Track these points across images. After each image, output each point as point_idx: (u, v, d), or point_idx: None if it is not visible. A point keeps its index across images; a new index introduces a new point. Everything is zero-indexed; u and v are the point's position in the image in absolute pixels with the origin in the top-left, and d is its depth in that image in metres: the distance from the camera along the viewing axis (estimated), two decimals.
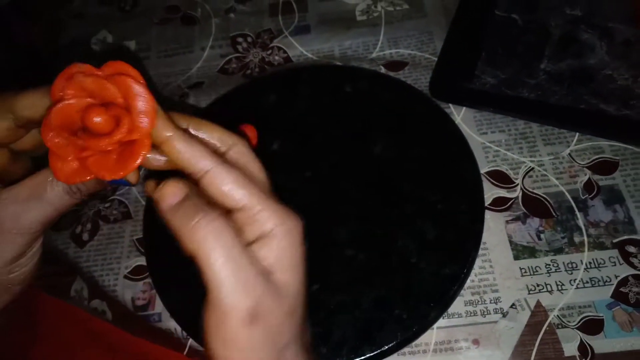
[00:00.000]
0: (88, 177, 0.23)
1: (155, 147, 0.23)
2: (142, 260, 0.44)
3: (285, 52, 0.55)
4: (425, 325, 0.37)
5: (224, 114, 0.48)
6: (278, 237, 0.23)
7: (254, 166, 0.25)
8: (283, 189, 0.42)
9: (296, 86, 0.49)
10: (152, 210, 0.45)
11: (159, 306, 0.42)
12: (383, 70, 0.51)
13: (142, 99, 0.23)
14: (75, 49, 0.60)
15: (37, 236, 0.27)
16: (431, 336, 0.38)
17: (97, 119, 0.22)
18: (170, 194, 0.22)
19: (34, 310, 0.43)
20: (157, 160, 0.24)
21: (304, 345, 0.25)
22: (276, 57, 0.55)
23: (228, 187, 0.22)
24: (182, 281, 0.42)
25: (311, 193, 0.43)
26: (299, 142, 0.45)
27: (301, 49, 0.54)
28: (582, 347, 0.36)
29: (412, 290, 0.38)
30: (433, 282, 0.38)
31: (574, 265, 0.39)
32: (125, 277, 0.44)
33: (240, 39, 0.57)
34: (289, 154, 0.45)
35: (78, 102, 0.23)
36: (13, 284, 0.27)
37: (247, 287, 0.21)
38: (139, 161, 0.22)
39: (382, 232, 0.40)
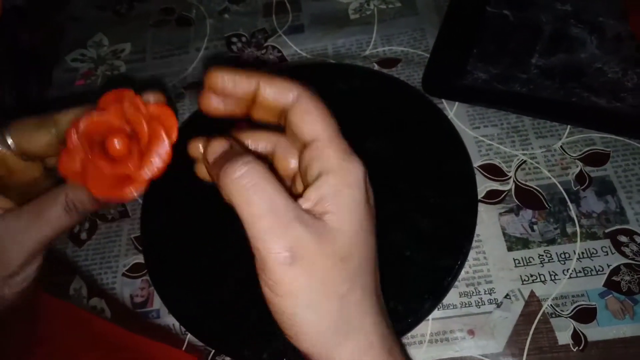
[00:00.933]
0: (81, 183, 0.24)
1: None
2: (140, 258, 0.45)
3: (279, 51, 0.55)
4: (420, 316, 0.37)
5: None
6: (339, 175, 0.23)
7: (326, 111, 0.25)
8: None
9: None
10: (149, 209, 0.46)
11: (157, 303, 0.42)
12: (376, 67, 0.51)
13: (162, 152, 0.25)
14: (74, 52, 0.60)
15: (35, 255, 0.27)
16: (427, 327, 0.38)
17: (117, 143, 0.25)
18: (217, 145, 0.24)
19: (34, 310, 0.44)
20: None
21: (373, 294, 0.24)
22: (270, 57, 0.55)
23: (310, 117, 0.24)
24: (179, 277, 0.42)
25: None
26: None
27: (295, 48, 0.55)
28: (576, 336, 0.36)
29: (406, 282, 0.38)
30: (427, 275, 0.38)
31: (567, 255, 0.39)
32: (124, 275, 0.45)
33: (234, 39, 0.57)
34: None
35: (112, 121, 0.25)
36: (7, 298, 0.28)
37: (281, 228, 0.21)
38: (125, 197, 0.24)
39: (377, 226, 0.41)
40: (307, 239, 0.22)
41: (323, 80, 0.49)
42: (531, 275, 0.39)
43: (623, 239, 0.39)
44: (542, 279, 0.39)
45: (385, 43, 0.54)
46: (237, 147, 0.25)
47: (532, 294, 0.38)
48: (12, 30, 0.63)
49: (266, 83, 0.24)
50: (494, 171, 0.44)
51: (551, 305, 0.37)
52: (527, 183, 0.43)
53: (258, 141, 0.28)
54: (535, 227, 0.41)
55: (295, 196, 0.23)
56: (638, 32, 0.48)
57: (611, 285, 0.38)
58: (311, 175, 0.23)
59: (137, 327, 0.41)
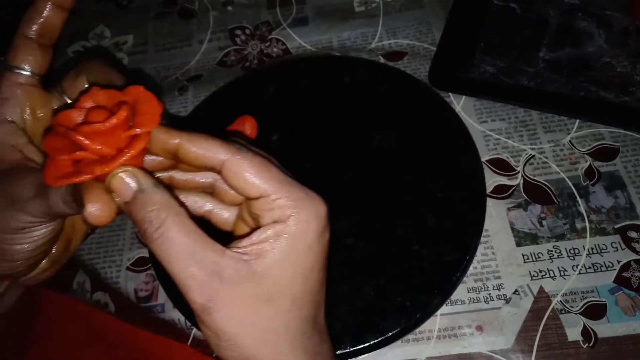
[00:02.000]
0: (76, 179, 0.22)
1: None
2: (144, 252, 0.44)
3: (284, 44, 0.55)
4: (428, 312, 0.37)
5: (223, 106, 0.48)
6: (286, 224, 0.23)
7: (263, 163, 0.24)
8: None
9: (294, 78, 0.49)
10: None
11: (162, 297, 0.42)
12: (382, 60, 0.51)
13: (149, 103, 0.23)
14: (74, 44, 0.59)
15: (41, 221, 0.26)
16: (435, 323, 0.38)
17: (99, 114, 0.23)
18: (121, 187, 0.22)
19: (34, 306, 0.43)
20: (153, 160, 0.25)
21: (309, 329, 0.25)
22: (275, 49, 0.54)
23: (249, 176, 0.23)
24: None
25: (311, 185, 0.42)
26: (298, 133, 0.45)
27: (300, 41, 0.54)
28: (586, 332, 0.36)
29: (414, 278, 0.38)
30: (435, 270, 0.38)
31: (577, 251, 0.39)
32: (128, 268, 0.44)
33: (238, 31, 0.57)
34: (288, 145, 0.45)
35: (84, 104, 0.24)
36: (15, 258, 0.27)
37: (197, 284, 0.22)
38: (137, 148, 0.22)
39: (384, 221, 0.40)
40: (224, 290, 0.22)
41: (327, 73, 0.49)
42: (540, 271, 0.38)
43: (633, 234, 0.39)
44: (552, 274, 0.38)
45: (391, 36, 0.53)
46: (144, 187, 0.22)
47: (541, 289, 0.38)
48: (7, 22, 0.62)
49: (191, 144, 0.23)
50: (502, 166, 0.43)
51: (560, 301, 0.37)
52: (536, 178, 0.42)
53: (195, 175, 0.27)
54: (544, 222, 0.40)
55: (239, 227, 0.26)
56: None
57: (621, 281, 0.37)
58: (262, 221, 0.23)
59: (142, 321, 0.41)
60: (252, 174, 0.23)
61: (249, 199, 0.24)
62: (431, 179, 0.41)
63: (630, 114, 0.44)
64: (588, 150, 0.43)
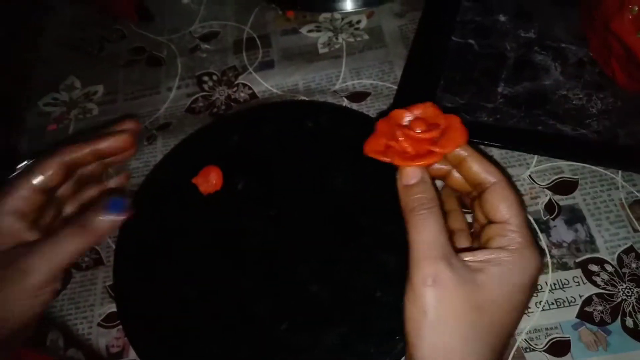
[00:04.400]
0: (384, 159, 0.31)
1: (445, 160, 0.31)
2: (114, 307, 0.44)
3: (250, 88, 0.56)
4: (394, 358, 0.37)
5: (190, 156, 0.49)
6: (512, 256, 0.27)
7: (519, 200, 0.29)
8: (248, 229, 0.43)
9: (259, 124, 0.49)
10: (122, 255, 0.46)
11: (132, 353, 0.42)
12: (346, 102, 0.52)
13: (458, 133, 0.30)
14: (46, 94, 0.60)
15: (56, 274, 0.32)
16: None
17: (419, 125, 0.31)
18: (410, 174, 0.30)
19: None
20: (440, 168, 0.32)
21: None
22: (242, 94, 0.55)
23: (504, 203, 0.28)
24: (153, 327, 0.42)
25: (276, 232, 0.43)
26: (263, 181, 0.46)
27: (266, 85, 0.55)
28: None
29: (377, 324, 0.38)
30: (398, 315, 0.38)
31: (539, 287, 0.39)
32: (99, 324, 0.44)
33: (205, 78, 0.57)
34: (253, 193, 0.45)
35: (414, 111, 0.32)
36: (37, 308, 0.32)
37: (432, 259, 0.27)
38: (428, 162, 0.30)
39: (346, 266, 0.41)
40: (449, 276, 0.26)
41: (291, 118, 0.49)
42: None
43: (594, 267, 0.40)
44: None
45: (354, 76, 0.54)
46: (426, 181, 0.29)
47: None
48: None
49: (474, 160, 0.30)
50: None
51: (525, 339, 0.38)
52: None
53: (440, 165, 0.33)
54: None
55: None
56: (597, 57, 0.49)
57: (584, 316, 0.38)
58: (490, 244, 0.28)
59: None
60: (508, 204, 0.28)
61: (488, 219, 0.29)
62: (390, 221, 0.41)
63: (587, 146, 0.45)
64: (548, 184, 0.44)
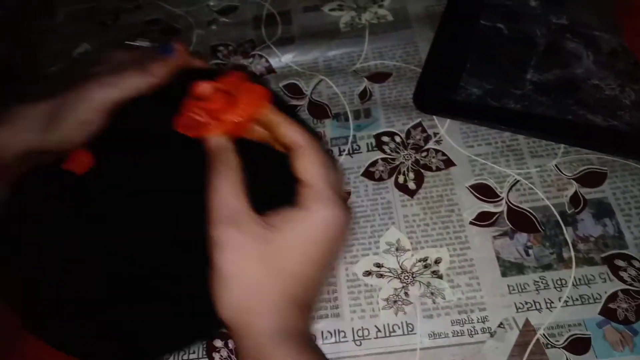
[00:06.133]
0: (189, 133, 0.32)
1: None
2: None
3: (267, 61, 0.54)
4: None
5: None
6: (302, 216, 0.30)
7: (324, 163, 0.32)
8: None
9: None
10: None
11: None
12: (366, 82, 0.50)
13: (254, 98, 0.32)
14: (57, 62, 0.58)
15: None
16: (414, 357, 0.36)
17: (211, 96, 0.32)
18: (209, 142, 0.32)
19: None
20: (261, 132, 0.33)
21: (291, 299, 0.30)
22: (258, 67, 0.53)
23: (310, 165, 0.31)
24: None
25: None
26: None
27: (283, 59, 0.53)
28: None
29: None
30: None
31: (564, 282, 0.38)
32: None
33: (221, 47, 0.56)
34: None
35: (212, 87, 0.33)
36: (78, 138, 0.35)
37: (218, 223, 0.29)
38: (213, 131, 0.32)
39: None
40: (236, 237, 0.29)
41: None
42: (526, 303, 0.37)
43: (620, 263, 0.38)
44: (538, 306, 0.37)
45: (377, 57, 0.52)
46: (221, 146, 0.32)
47: (527, 322, 0.37)
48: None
49: (281, 125, 0.32)
50: (486, 192, 0.42)
51: (545, 334, 0.36)
52: (521, 205, 0.41)
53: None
54: (530, 251, 0.39)
55: None
56: (633, 48, 0.47)
57: (607, 313, 0.36)
58: (296, 202, 0.30)
59: None
60: (307, 165, 0.31)
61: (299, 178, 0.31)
62: None
63: (618, 138, 0.43)
64: (575, 175, 0.42)
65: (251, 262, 0.29)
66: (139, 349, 0.35)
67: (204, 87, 0.33)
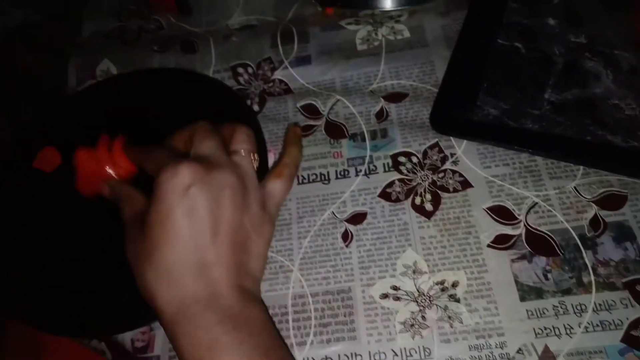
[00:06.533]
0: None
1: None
2: None
3: (286, 84, 0.54)
4: None
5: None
6: (157, 195, 0.35)
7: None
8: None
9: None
10: None
11: (158, 348, 0.41)
12: (383, 102, 0.50)
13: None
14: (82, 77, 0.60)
15: None
16: None
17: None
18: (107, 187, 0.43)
19: (37, 348, 0.44)
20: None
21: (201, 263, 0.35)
22: (277, 89, 0.54)
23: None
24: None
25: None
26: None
27: (302, 81, 0.54)
28: None
29: None
30: None
31: (584, 307, 0.37)
32: None
33: (240, 69, 0.56)
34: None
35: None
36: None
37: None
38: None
39: None
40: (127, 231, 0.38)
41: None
42: (545, 328, 0.37)
43: None
44: (557, 332, 0.37)
45: (393, 76, 0.52)
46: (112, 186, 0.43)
47: (546, 348, 0.36)
48: (13, 53, 0.63)
49: (145, 163, 0.41)
50: (503, 214, 0.42)
51: None
52: (539, 228, 0.41)
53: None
54: (549, 275, 0.39)
55: None
56: None
57: (630, 340, 0.36)
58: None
59: None
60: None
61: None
62: None
63: (639, 160, 0.42)
64: (594, 197, 0.42)
65: (138, 246, 0.36)
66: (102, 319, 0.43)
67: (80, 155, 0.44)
